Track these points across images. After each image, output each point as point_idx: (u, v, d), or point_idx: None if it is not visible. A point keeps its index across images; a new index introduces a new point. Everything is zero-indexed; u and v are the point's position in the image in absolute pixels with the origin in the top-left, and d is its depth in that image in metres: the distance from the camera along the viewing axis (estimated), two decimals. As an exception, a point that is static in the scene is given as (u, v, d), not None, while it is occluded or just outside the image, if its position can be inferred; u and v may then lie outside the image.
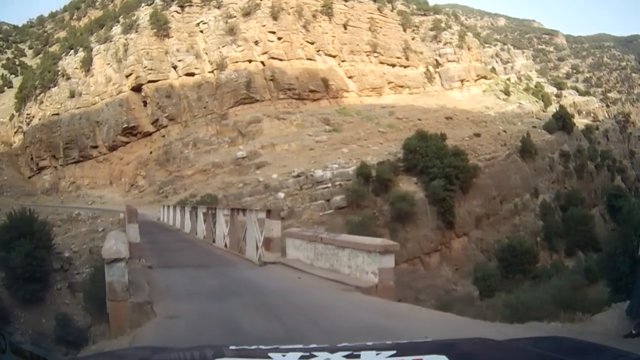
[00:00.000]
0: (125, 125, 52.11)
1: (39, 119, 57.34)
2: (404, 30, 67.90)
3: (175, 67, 53.13)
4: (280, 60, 54.73)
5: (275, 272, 10.01)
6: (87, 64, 56.62)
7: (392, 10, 68.98)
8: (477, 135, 52.00)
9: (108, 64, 55.30)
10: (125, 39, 55.43)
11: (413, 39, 68.26)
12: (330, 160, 43.23)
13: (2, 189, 55.75)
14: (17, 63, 75.84)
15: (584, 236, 41.89)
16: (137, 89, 52.75)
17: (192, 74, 52.71)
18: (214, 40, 54.26)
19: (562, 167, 56.03)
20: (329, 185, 39.81)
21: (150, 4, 57.64)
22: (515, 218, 45.65)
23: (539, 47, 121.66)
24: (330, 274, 8.69)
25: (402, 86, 63.15)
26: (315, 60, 57.03)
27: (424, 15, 73.88)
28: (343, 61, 59.36)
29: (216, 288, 8.34)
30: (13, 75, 71.63)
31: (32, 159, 57.17)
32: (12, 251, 23.02)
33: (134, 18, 57.09)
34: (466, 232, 40.95)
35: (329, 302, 6.96)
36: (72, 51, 60.18)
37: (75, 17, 76.39)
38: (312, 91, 55.25)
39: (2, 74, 75.51)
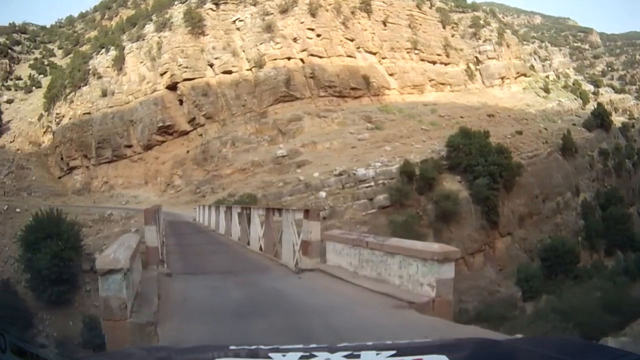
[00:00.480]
0: (160, 124, 50.01)
1: (69, 119, 55.45)
2: (443, 27, 65.32)
3: (211, 65, 51.01)
4: (320, 57, 52.38)
5: (312, 282, 8.58)
6: (119, 63, 54.67)
7: (430, 8, 66.41)
8: (519, 133, 49.97)
9: (141, 62, 53.34)
10: (159, 37, 53.49)
11: (452, 36, 65.59)
12: (372, 159, 41.72)
13: (29, 189, 54.01)
14: (45, 63, 74.27)
15: (623, 235, 42.07)
16: (172, 87, 50.70)
17: (230, 72, 50.54)
18: (251, 37, 52.08)
19: (602, 165, 55.04)
20: (372, 184, 38.24)
21: (184, 2, 55.72)
22: (557, 217, 44.70)
23: (575, 44, 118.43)
24: (377, 285, 7.20)
25: (443, 83, 60.51)
26: (355, 57, 54.61)
27: (462, 12, 71.29)
28: (383, 58, 56.86)
29: (241, 303, 7.05)
30: (42, 76, 70.12)
31: (62, 158, 55.30)
32: (38, 252, 22.45)
33: (167, 16, 55.15)
34: (510, 231, 39.67)
35: (379, 326, 5.52)
36: (103, 50, 58.37)
37: (106, 16, 74.76)
38: (353, 88, 52.83)
39: (30, 74, 73.88)
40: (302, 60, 51.77)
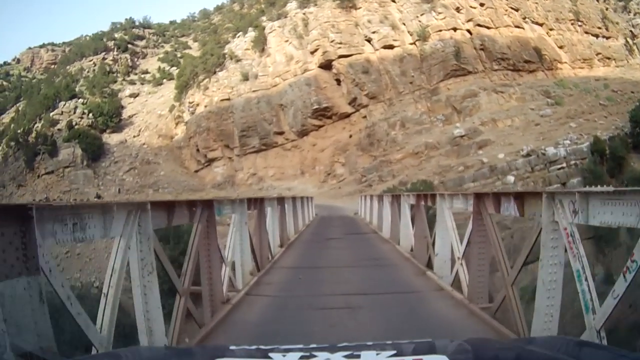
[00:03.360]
0: (315, 107, 43.48)
1: (205, 106, 49.51)
2: (597, 0, 57.34)
3: (369, 40, 44.37)
4: (488, 28, 45.09)
5: None
6: (260, 44, 48.60)
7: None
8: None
9: (286, 41, 47.14)
10: (304, 14, 47.23)
11: (607, 9, 57.43)
12: (559, 137, 36.13)
13: (156, 185, 48.34)
14: (179, 56, 69.33)
15: None
16: (326, 65, 44.23)
17: (391, 47, 43.73)
18: (410, 9, 45.21)
19: None
20: (564, 164, 32.77)
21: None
22: None
23: None
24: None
25: (608, 58, 52.14)
26: (523, 28, 47.11)
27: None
28: (551, 30, 49.00)
29: None
30: (174, 68, 64.88)
31: (198, 150, 49.44)
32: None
33: (311, -8, 48.97)
34: None
35: None
36: (240, 33, 52.70)
37: (245, 6, 69.68)
38: (526, 62, 45.19)
39: (159, 66, 68.69)
40: (468, 31, 44.58)
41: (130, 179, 50.86)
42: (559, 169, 32.17)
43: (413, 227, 10.61)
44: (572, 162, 32.97)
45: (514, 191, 5.91)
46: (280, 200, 13.33)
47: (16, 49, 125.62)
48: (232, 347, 1.84)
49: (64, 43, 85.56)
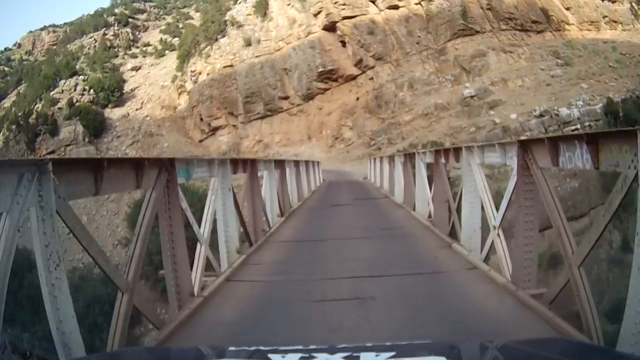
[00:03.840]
0: (321, 69, 42.38)
1: (207, 74, 48.33)
2: (600, -39, 56.22)
3: (373, 1, 43.36)
4: (493, -14, 44.25)
5: None
6: (262, 8, 47.35)
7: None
8: None
9: (289, 4, 45.87)
10: (306, -25, 46.33)
11: (612, -29, 56.39)
12: (572, 97, 35.67)
13: (161, 156, 47.65)
14: (180, 27, 67.80)
15: None
16: (330, 28, 43.06)
17: (396, 7, 42.54)
18: (413, -32, 44.34)
19: None
20: (578, 125, 32.45)
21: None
22: None
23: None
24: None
25: (615, 21, 51.23)
26: (528, -13, 46.23)
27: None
28: (557, -10, 48.24)
29: None
30: (176, 39, 63.24)
31: (201, 119, 48.46)
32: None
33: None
34: None
35: None
36: (241, 0, 51.55)
37: None
38: (534, 22, 44.24)
39: (161, 38, 66.92)
40: (475, -10, 43.76)
41: (133, 152, 49.87)
42: (573, 130, 31.28)
43: (431, 190, 9.36)
44: (586, 123, 32.59)
45: (585, 133, 3.67)
46: (280, 163, 11.79)
47: (17, 35, 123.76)
48: (231, 348, 1.84)
49: (65, 24, 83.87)
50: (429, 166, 9.77)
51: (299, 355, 1.65)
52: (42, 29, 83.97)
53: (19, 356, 2.00)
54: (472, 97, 37.85)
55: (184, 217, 4.85)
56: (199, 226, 5.60)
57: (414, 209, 10.43)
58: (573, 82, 39.56)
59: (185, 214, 4.89)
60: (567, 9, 47.24)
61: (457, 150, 7.29)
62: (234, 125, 46.34)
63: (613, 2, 52.87)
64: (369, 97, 40.96)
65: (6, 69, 74.50)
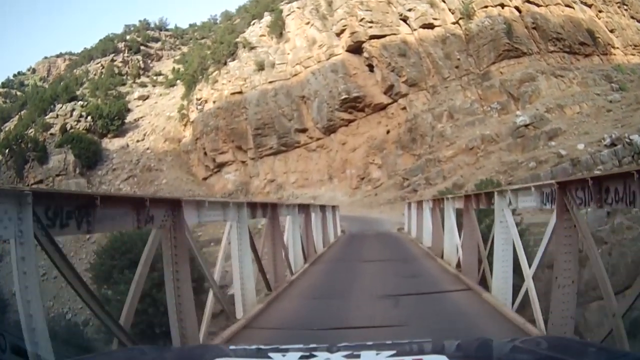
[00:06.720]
0: (344, 97, 35.43)
1: (214, 102, 41.58)
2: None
3: (405, 19, 36.88)
4: (537, 5, 37.86)
5: None
6: (277, 29, 40.50)
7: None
8: None
9: (307, 23, 39.19)
10: (327, -8, 39.84)
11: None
12: (638, 123, 29.45)
13: (157, 194, 40.52)
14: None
15: None
16: (355, 49, 36.32)
17: (432, 26, 36.00)
18: (448, -16, 38.09)
19: None
20: None
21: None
22: None
23: None
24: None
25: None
26: (573, 7, 39.81)
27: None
28: (600, 12, 42.03)
29: None
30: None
31: (205, 154, 41.39)
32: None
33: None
34: None
35: None
36: (255, 20, 44.80)
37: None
38: (581, 44, 38.01)
39: (174, 67, 60.82)
40: (517, 8, 37.43)
41: (127, 188, 43.00)
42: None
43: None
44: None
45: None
46: (273, 206, 8.03)
47: (32, 60, 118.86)
48: (232, 347, 1.78)
49: (82, 51, 79.03)
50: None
51: (300, 353, 1.57)
52: (57, 56, 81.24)
53: (20, 356, 1.88)
54: (526, 126, 31.21)
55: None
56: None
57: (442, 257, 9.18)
58: (634, 107, 33.44)
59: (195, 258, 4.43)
60: (611, 31, 41.16)
61: (488, 195, 6.86)
62: (243, 162, 39.11)
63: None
64: (401, 130, 34.06)
65: (18, 93, 70.68)
